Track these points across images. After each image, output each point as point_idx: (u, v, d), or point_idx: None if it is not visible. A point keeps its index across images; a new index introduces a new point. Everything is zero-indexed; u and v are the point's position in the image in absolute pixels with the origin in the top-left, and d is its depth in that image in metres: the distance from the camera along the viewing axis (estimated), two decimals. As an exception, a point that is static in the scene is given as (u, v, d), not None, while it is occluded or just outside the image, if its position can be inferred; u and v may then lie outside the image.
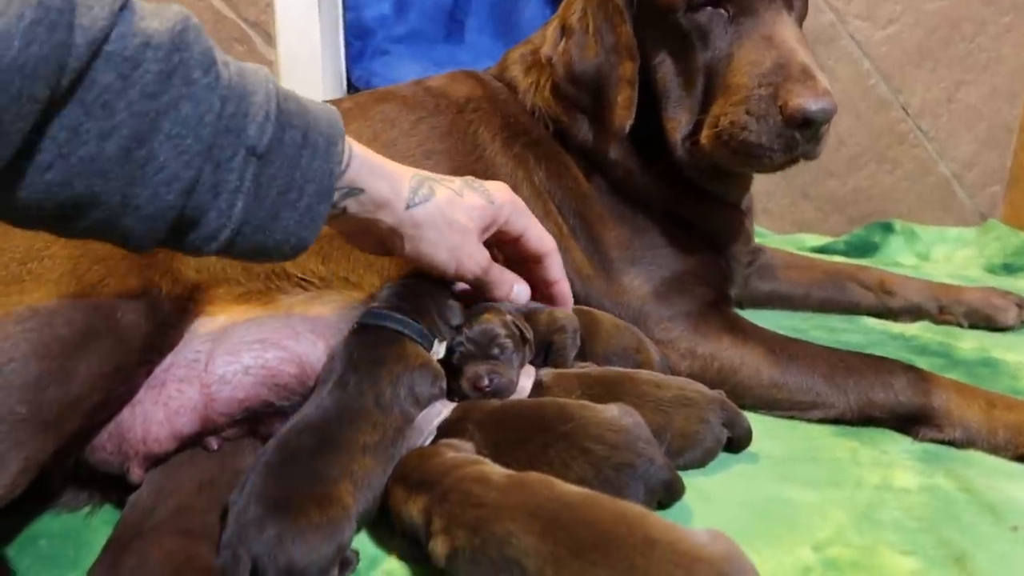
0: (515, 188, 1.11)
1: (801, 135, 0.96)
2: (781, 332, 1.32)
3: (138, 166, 0.59)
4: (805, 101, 0.94)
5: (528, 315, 0.96)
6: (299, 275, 0.97)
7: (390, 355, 0.81)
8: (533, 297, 0.99)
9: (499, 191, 0.92)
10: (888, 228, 1.86)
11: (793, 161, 1.01)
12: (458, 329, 0.89)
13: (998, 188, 1.97)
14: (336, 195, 0.75)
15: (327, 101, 1.21)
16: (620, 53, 1.07)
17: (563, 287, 1.00)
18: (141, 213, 0.62)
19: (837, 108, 0.96)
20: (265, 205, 0.68)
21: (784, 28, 1.01)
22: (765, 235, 1.90)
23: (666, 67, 1.08)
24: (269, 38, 1.94)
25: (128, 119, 0.58)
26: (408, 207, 0.82)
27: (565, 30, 1.13)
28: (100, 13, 0.55)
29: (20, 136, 0.53)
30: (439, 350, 0.87)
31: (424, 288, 0.89)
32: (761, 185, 1.79)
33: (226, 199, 0.65)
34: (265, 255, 0.72)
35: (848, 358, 1.03)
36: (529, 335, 0.91)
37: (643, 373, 0.93)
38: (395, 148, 1.12)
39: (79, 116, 0.56)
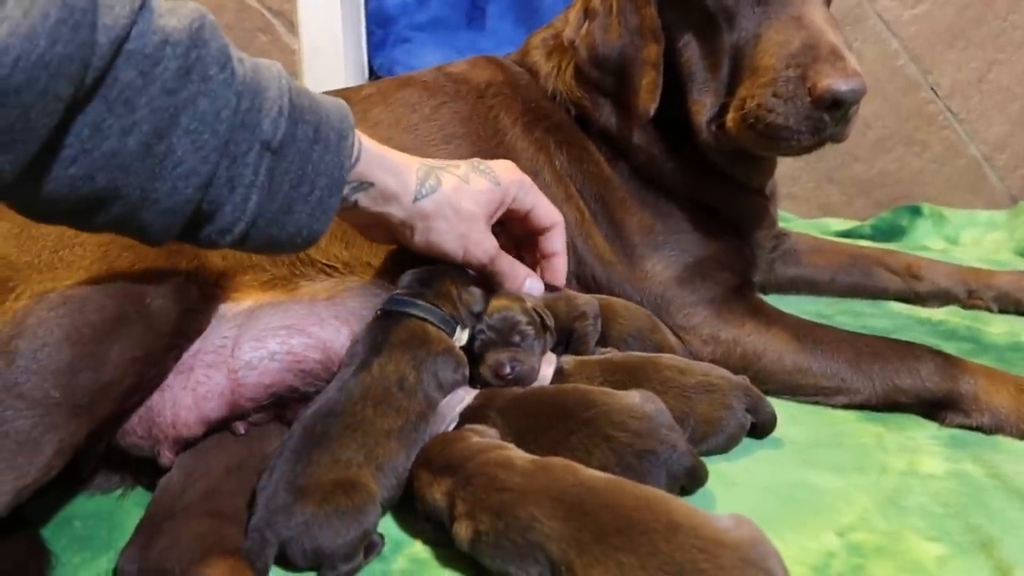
0: (536, 172, 1.12)
1: (830, 117, 0.95)
2: (806, 317, 1.32)
3: (157, 161, 0.61)
4: (835, 82, 0.92)
5: (548, 301, 0.96)
6: (323, 261, 0.98)
7: (413, 341, 0.82)
8: (529, 265, 0.99)
9: (505, 171, 0.93)
10: (916, 211, 1.83)
11: (820, 143, 1.00)
12: (479, 316, 0.89)
13: (1030, 170, 1.94)
14: (346, 189, 0.77)
15: (350, 88, 1.23)
16: (644, 35, 1.06)
17: (559, 261, 1.00)
18: (160, 207, 0.63)
19: (867, 89, 0.95)
20: (278, 199, 0.69)
21: (812, 8, 1.00)
22: (790, 219, 1.88)
23: (691, 49, 1.07)
24: (292, 27, 1.95)
25: (148, 115, 0.59)
26: (416, 199, 0.83)
27: (588, 12, 1.12)
28: (121, 12, 0.56)
29: (45, 132, 0.55)
30: (461, 337, 0.87)
31: (446, 274, 0.89)
32: (785, 169, 1.77)
33: (241, 193, 0.67)
34: (278, 247, 0.73)
35: (873, 343, 1.02)
36: (550, 322, 0.91)
37: (666, 358, 0.93)
38: (416, 132, 1.12)
39: (102, 112, 0.57)
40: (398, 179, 0.82)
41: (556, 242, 0.99)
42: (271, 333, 0.86)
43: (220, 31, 0.65)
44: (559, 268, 1.00)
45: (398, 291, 0.88)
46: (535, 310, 0.90)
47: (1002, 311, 1.35)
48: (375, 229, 0.87)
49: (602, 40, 1.09)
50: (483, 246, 0.90)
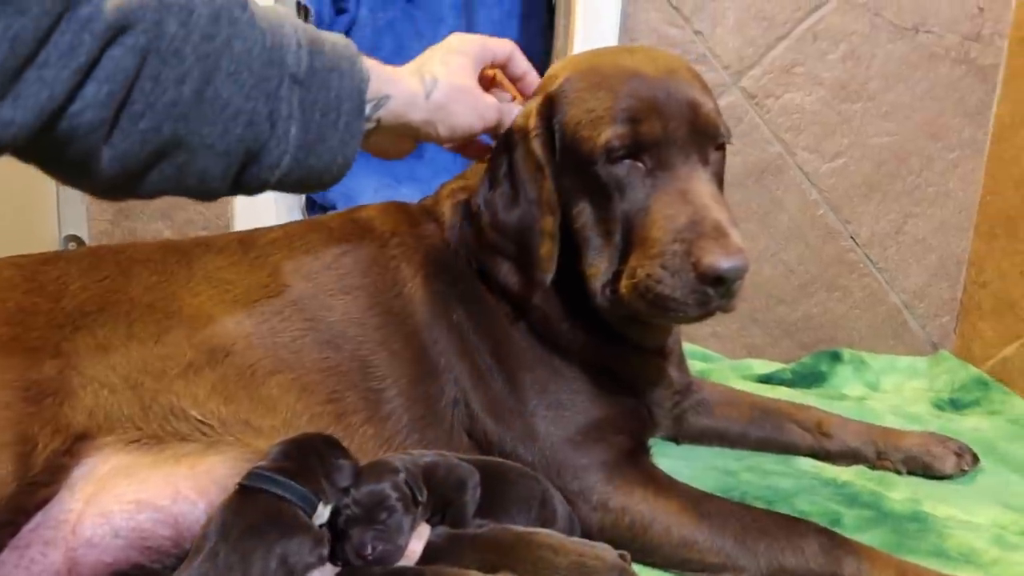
0: (431, 325, 1.12)
1: (714, 291, 0.97)
2: (713, 472, 1.31)
3: (209, 105, 0.68)
4: (717, 259, 0.94)
5: (428, 467, 0.94)
6: (199, 417, 0.95)
7: (266, 523, 0.79)
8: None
9: (462, 42, 1.02)
10: (836, 357, 1.85)
11: (708, 314, 1.01)
12: (347, 491, 0.86)
13: (949, 319, 1.98)
14: (368, 108, 0.84)
15: (258, 229, 1.23)
16: (542, 207, 1.07)
17: (531, 76, 1.12)
18: (215, 150, 0.71)
19: (749, 265, 0.97)
20: (312, 129, 0.77)
21: (699, 184, 1.02)
22: (715, 359, 1.89)
23: (586, 216, 1.08)
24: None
25: (196, 62, 0.67)
26: (428, 96, 0.92)
27: (492, 182, 1.13)
28: None
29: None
30: (323, 513, 0.84)
31: (314, 447, 0.87)
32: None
33: (282, 126, 0.74)
34: (317, 179, 0.81)
35: (761, 518, 1.01)
36: (421, 497, 0.88)
37: (541, 535, 0.91)
38: (315, 281, 1.12)
39: (158, 66, 0.65)
40: (407, 85, 0.90)
41: (520, 63, 1.10)
42: (119, 508, 0.82)
43: None
44: (535, 82, 1.12)
45: (260, 464, 0.85)
46: (407, 483, 0.88)
47: (910, 473, 1.35)
48: (399, 144, 0.98)
49: (503, 207, 1.10)
50: (490, 105, 1.02)
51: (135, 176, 0.70)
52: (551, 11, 2.12)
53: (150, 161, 0.69)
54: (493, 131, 1.09)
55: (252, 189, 0.78)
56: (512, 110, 1.10)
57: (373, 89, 0.84)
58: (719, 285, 0.96)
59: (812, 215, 1.90)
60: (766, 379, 1.79)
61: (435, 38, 1.04)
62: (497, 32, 2.22)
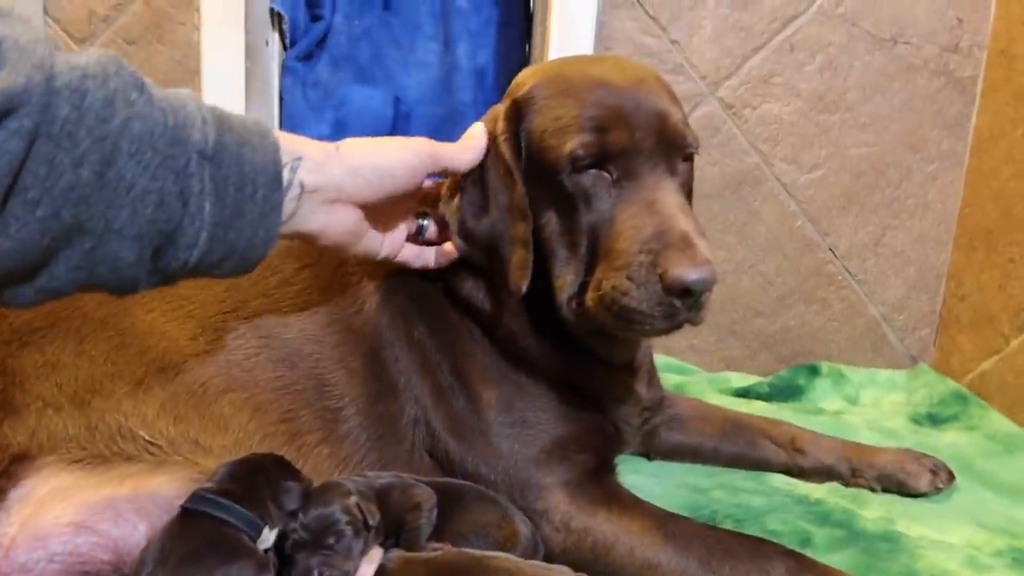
0: (393, 342, 1.10)
1: (681, 303, 0.95)
2: (683, 489, 1.29)
3: (112, 188, 0.66)
4: (684, 271, 0.92)
5: (382, 490, 0.92)
6: (146, 437, 0.92)
7: (207, 547, 0.76)
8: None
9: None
10: (814, 370, 1.83)
11: (676, 327, 0.99)
12: (295, 514, 0.84)
13: (928, 331, 1.97)
14: (286, 173, 0.81)
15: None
16: (513, 213, 1.05)
17: None
18: (125, 235, 0.68)
19: (716, 278, 0.95)
20: (228, 204, 0.74)
21: (666, 194, 1.00)
22: (692, 372, 1.87)
23: (552, 226, 1.06)
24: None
25: (92, 145, 0.64)
26: (337, 149, 0.89)
27: (459, 188, 1.10)
28: (44, 52, 0.62)
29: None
30: (268, 538, 0.82)
31: (262, 468, 0.85)
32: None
33: (195, 203, 0.72)
34: (239, 257, 0.78)
35: (727, 540, 0.99)
36: (373, 521, 0.86)
37: (499, 559, 0.88)
38: (272, 298, 1.09)
39: (51, 150, 0.62)
40: (315, 145, 0.86)
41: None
42: (56, 531, 0.79)
43: (125, 62, 0.70)
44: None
45: (205, 486, 0.83)
46: (358, 506, 0.85)
47: (885, 490, 1.33)
48: (338, 212, 0.89)
49: (472, 216, 1.07)
50: (416, 140, 0.97)
51: (37, 267, 0.66)
52: (529, 20, 2.10)
53: (53, 249, 0.65)
54: (436, 159, 1.00)
55: (173, 274, 0.75)
56: (447, 148, 1.02)
57: (285, 155, 0.81)
58: (686, 297, 0.94)
59: (790, 227, 1.88)
60: (743, 393, 1.76)
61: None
62: (475, 41, 2.22)
